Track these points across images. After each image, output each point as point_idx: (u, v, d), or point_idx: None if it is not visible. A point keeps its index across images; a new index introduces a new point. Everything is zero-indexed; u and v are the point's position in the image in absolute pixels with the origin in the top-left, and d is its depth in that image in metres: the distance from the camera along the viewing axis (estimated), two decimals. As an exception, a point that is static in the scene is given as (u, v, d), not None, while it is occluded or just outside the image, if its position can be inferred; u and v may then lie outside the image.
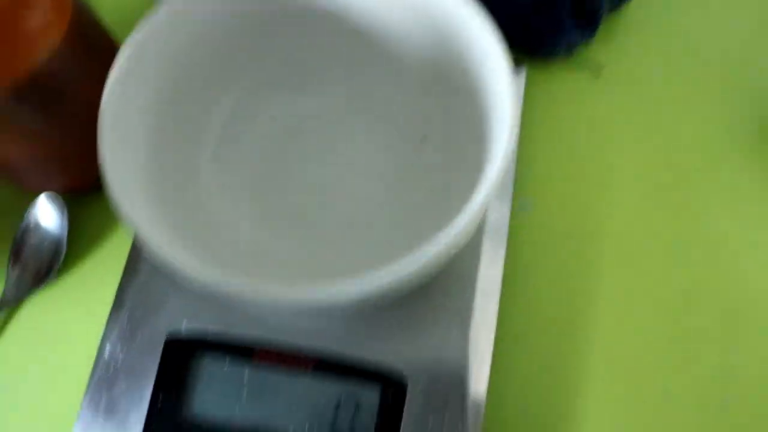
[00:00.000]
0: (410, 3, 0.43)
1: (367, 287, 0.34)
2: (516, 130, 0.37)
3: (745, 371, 0.47)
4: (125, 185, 0.37)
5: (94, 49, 0.48)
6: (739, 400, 0.47)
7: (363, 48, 0.48)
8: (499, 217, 0.48)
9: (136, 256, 0.50)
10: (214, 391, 0.46)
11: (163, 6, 0.40)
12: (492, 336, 0.45)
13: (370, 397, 0.44)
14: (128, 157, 0.39)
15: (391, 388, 0.44)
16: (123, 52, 0.39)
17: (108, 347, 0.47)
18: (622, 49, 0.59)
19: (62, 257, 0.53)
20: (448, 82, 0.46)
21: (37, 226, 0.53)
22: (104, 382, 0.47)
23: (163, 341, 0.47)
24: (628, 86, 0.57)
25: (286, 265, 0.46)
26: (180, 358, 0.46)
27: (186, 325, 0.47)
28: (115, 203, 0.35)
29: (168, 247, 0.35)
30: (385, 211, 0.48)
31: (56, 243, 0.53)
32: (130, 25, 0.40)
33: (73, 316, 0.52)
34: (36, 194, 0.53)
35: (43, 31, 0.43)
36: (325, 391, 0.45)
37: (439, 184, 0.47)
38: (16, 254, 0.53)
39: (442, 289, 0.46)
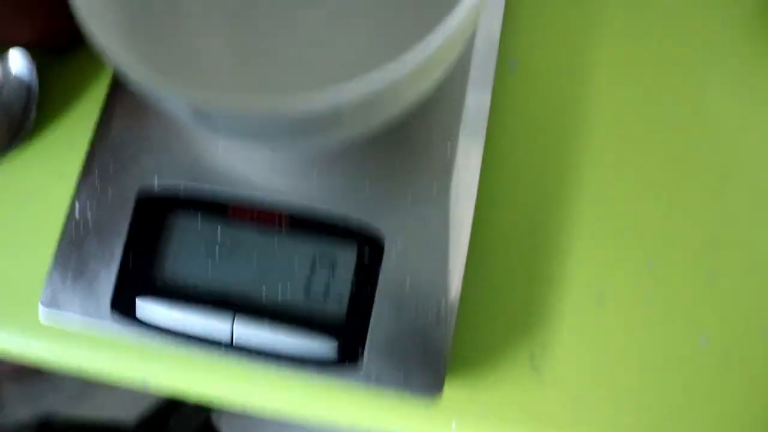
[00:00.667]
0: None
1: (352, 93, 0.31)
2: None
3: (732, 243, 0.46)
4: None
5: None
6: (727, 272, 0.46)
7: None
8: (485, 72, 0.46)
9: (108, 115, 0.48)
10: (186, 249, 0.44)
11: None
12: (473, 196, 0.44)
13: (346, 255, 0.43)
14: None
15: (368, 247, 0.43)
16: None
17: (78, 206, 0.46)
18: None
19: (32, 118, 0.51)
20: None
21: (6, 84, 0.51)
22: (74, 242, 0.45)
23: (133, 198, 0.45)
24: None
25: (257, 74, 0.43)
26: (152, 216, 0.45)
27: (158, 181, 0.45)
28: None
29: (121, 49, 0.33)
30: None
31: (25, 103, 0.51)
32: None
33: (44, 178, 0.51)
34: (2, 49, 0.51)
35: None
36: (300, 249, 0.44)
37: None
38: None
39: (423, 142, 0.44)
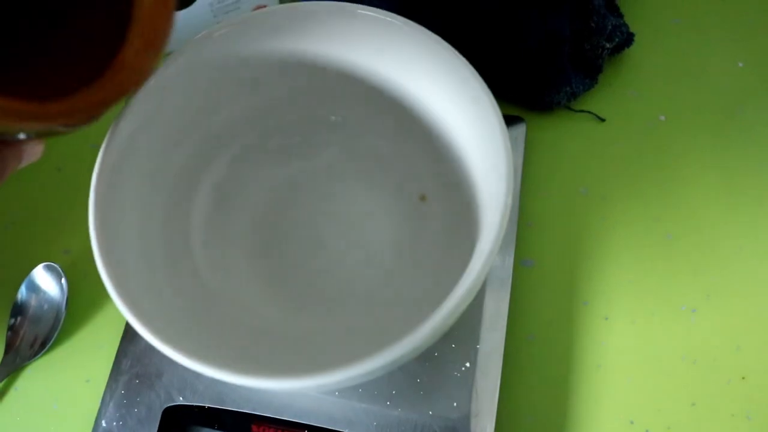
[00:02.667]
0: (405, 62, 0.43)
1: (362, 371, 0.33)
2: (510, 202, 0.36)
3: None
4: (118, 272, 0.37)
5: None
6: None
7: (357, 107, 0.48)
8: (501, 276, 0.48)
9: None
10: (211, 465, 0.45)
11: (146, 89, 0.39)
12: (494, 409, 0.44)
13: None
14: (121, 236, 0.39)
15: (390, 464, 0.43)
16: (109, 145, 0.38)
17: (104, 420, 0.47)
18: (624, 95, 0.58)
19: (60, 325, 0.52)
20: (443, 142, 0.45)
21: (37, 293, 0.53)
22: (102, 455, 0.46)
23: (160, 412, 0.46)
24: (631, 133, 0.56)
25: (286, 338, 0.45)
26: (177, 431, 0.46)
27: (182, 400, 0.46)
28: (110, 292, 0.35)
29: (159, 334, 0.35)
30: (385, 276, 0.47)
31: (56, 310, 0.53)
32: None
33: (71, 383, 0.52)
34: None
35: None
36: (322, 466, 0.44)
37: (440, 244, 0.47)
38: (14, 324, 0.53)
39: (442, 357, 0.45)
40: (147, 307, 0.37)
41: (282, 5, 0.41)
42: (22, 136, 0.30)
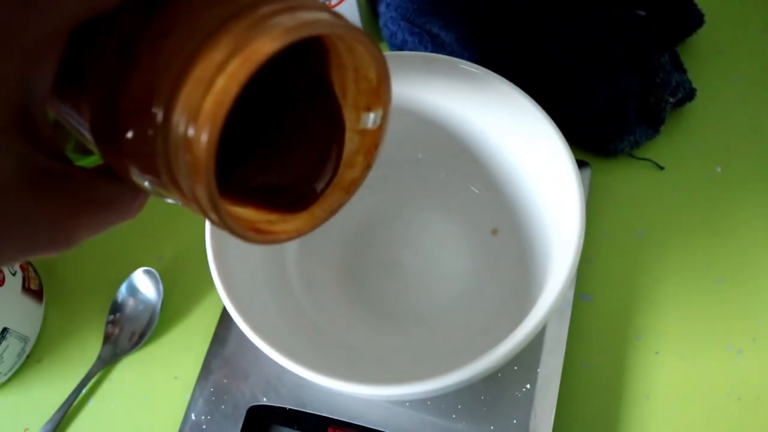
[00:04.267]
0: (486, 108, 0.48)
1: (438, 386, 0.38)
2: (582, 242, 0.41)
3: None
4: (227, 279, 0.42)
5: None
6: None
7: (440, 147, 0.53)
8: (562, 309, 0.52)
9: (223, 328, 0.54)
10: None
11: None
12: (550, 427, 0.48)
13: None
14: (229, 248, 0.44)
15: (454, 472, 0.47)
16: None
17: (193, 413, 0.52)
18: (683, 145, 0.62)
19: (155, 324, 0.58)
20: (517, 182, 0.50)
21: (135, 294, 0.59)
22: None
23: (245, 410, 0.51)
24: (688, 182, 0.60)
25: (364, 351, 0.50)
26: (260, 428, 0.51)
27: (266, 400, 0.51)
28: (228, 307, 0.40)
29: (259, 333, 0.40)
30: (458, 305, 0.52)
31: (151, 311, 0.58)
32: None
33: (162, 380, 0.57)
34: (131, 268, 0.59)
35: None
36: (391, 469, 0.48)
37: (509, 275, 0.51)
38: (113, 320, 0.58)
39: (505, 378, 0.49)
40: (247, 307, 0.42)
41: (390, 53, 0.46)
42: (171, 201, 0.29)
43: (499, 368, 0.43)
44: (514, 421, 0.48)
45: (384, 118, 0.34)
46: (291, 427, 0.50)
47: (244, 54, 0.23)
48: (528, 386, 0.49)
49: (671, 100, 0.59)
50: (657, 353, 0.53)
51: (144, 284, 0.59)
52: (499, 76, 0.46)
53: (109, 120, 0.25)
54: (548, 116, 0.44)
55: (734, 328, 0.54)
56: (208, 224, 0.44)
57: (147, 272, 0.59)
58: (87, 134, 0.27)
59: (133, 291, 0.59)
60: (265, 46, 0.23)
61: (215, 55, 0.24)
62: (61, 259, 0.62)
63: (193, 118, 0.23)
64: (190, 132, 0.23)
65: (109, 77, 0.25)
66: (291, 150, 0.34)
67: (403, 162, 0.55)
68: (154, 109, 0.24)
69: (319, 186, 0.35)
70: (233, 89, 0.23)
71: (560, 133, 0.44)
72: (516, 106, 0.46)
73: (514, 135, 0.48)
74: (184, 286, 0.60)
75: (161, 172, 0.25)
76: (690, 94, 0.61)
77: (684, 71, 0.61)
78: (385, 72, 0.31)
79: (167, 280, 0.60)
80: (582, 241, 0.40)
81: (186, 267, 0.61)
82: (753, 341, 0.53)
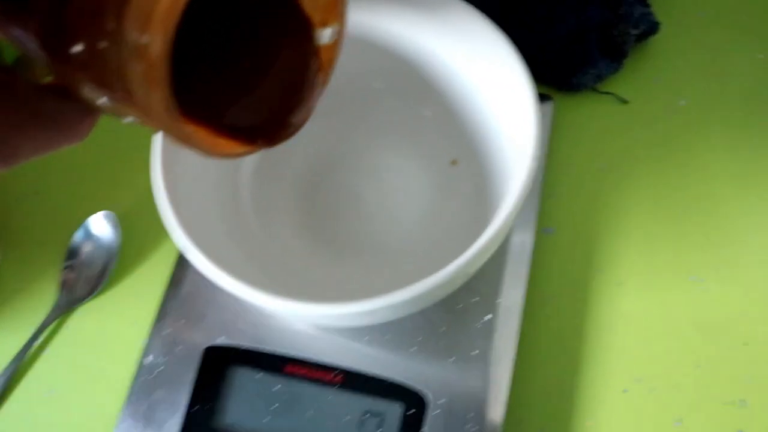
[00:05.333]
0: (445, 33, 0.46)
1: (392, 301, 0.37)
2: (536, 163, 0.40)
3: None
4: (179, 207, 0.41)
5: None
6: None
7: (398, 76, 0.51)
8: (523, 240, 0.51)
9: (180, 271, 0.53)
10: (246, 401, 0.49)
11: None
12: (512, 359, 0.47)
13: (392, 412, 0.47)
14: (180, 178, 0.43)
15: (413, 404, 0.47)
16: None
17: (150, 356, 0.51)
18: (647, 79, 0.61)
19: (112, 269, 0.56)
20: (476, 110, 0.49)
21: (91, 238, 0.57)
22: (144, 390, 0.50)
23: (201, 353, 0.50)
24: (652, 115, 0.59)
25: (323, 279, 0.49)
26: (216, 369, 0.49)
27: (223, 340, 0.50)
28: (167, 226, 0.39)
29: (212, 265, 0.39)
30: (417, 231, 0.51)
31: (108, 255, 0.57)
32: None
33: (119, 326, 0.56)
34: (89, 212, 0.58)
35: None
36: (350, 404, 0.47)
37: (469, 204, 0.50)
38: (70, 264, 0.57)
39: (466, 309, 0.49)
40: (199, 237, 0.41)
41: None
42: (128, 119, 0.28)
43: (451, 288, 0.42)
44: (475, 352, 0.47)
45: (340, 33, 0.33)
46: (248, 366, 0.49)
47: None
48: (489, 317, 0.48)
49: (634, 32, 0.58)
50: (620, 284, 0.53)
51: (101, 228, 0.57)
52: (463, 2, 0.45)
53: (58, 32, 0.24)
54: (507, 38, 0.43)
55: (696, 258, 0.54)
56: (155, 153, 0.42)
57: (106, 216, 0.57)
58: (34, 48, 0.26)
59: (89, 235, 0.57)
60: None
61: None
62: (14, 206, 0.61)
63: (146, 24, 0.22)
64: (144, 39, 0.23)
65: None
66: (257, 74, 0.33)
67: (360, 91, 0.53)
68: (104, 18, 0.23)
69: (284, 113, 0.34)
70: None
71: (519, 55, 0.42)
72: (478, 32, 0.44)
73: (474, 61, 0.47)
74: (143, 231, 0.58)
75: (115, 84, 0.24)
76: (653, 28, 0.60)
77: (647, 4, 0.60)
78: None
79: (126, 224, 0.58)
80: (536, 161, 0.40)
81: (145, 211, 0.59)
82: (715, 271, 0.53)
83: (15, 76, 0.26)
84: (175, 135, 0.26)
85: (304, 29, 0.33)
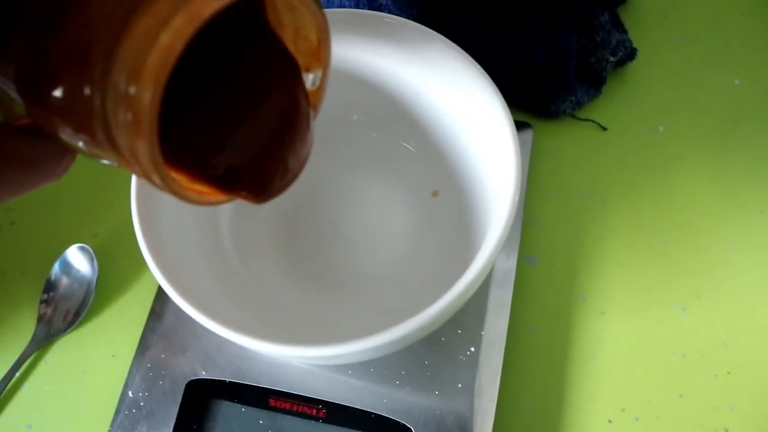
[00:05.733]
0: (423, 66, 0.46)
1: (376, 343, 0.36)
2: (518, 197, 0.40)
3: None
4: (157, 247, 0.40)
5: None
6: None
7: (376, 108, 0.51)
8: (506, 270, 0.51)
9: (160, 304, 0.52)
10: (231, 436, 0.48)
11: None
12: (496, 391, 0.47)
13: (377, 446, 0.47)
14: (158, 216, 0.43)
15: (398, 438, 0.46)
16: None
17: (131, 390, 0.50)
18: (625, 105, 0.61)
19: (90, 302, 0.56)
20: (456, 143, 0.49)
21: (69, 272, 0.56)
22: (126, 425, 0.49)
23: (183, 386, 0.49)
24: (631, 141, 0.60)
25: (305, 316, 0.48)
26: (199, 403, 0.49)
27: (205, 374, 0.49)
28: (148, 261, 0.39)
29: (191, 300, 0.39)
30: (400, 264, 0.51)
31: (86, 288, 0.56)
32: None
33: (99, 359, 0.55)
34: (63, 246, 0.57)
35: None
36: (335, 438, 0.47)
37: (450, 236, 0.50)
38: (47, 299, 0.56)
39: (449, 342, 0.48)
40: (179, 277, 0.40)
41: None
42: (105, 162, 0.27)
43: (437, 327, 0.42)
44: (459, 385, 0.47)
45: (323, 79, 0.33)
46: (231, 400, 0.49)
47: (189, 9, 0.22)
48: (472, 349, 0.48)
49: (612, 59, 0.59)
50: (603, 313, 0.53)
51: (78, 261, 0.57)
52: (434, 32, 0.45)
53: (38, 74, 0.24)
54: (482, 70, 0.43)
55: (679, 286, 0.54)
56: (133, 190, 0.42)
57: (81, 249, 0.57)
58: (12, 92, 0.25)
59: (66, 268, 0.57)
60: (212, 2, 0.22)
61: (160, 8, 0.22)
62: (-10, 238, 0.60)
63: (136, 75, 0.22)
64: (132, 90, 0.22)
65: (38, 29, 0.24)
66: (245, 117, 0.32)
67: (339, 125, 0.53)
68: (90, 65, 0.23)
69: (271, 163, 0.34)
70: (178, 46, 0.22)
71: (495, 87, 0.42)
72: (456, 65, 0.44)
73: (451, 93, 0.47)
74: (120, 263, 0.58)
75: (97, 130, 0.24)
76: (631, 54, 0.60)
77: (625, 31, 0.61)
78: (326, 32, 0.30)
79: (103, 257, 0.57)
80: (518, 194, 0.40)
81: (122, 243, 0.59)
82: (697, 298, 0.53)
83: None
84: (156, 182, 0.26)
85: (294, 70, 0.33)
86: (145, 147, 0.23)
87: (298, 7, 0.28)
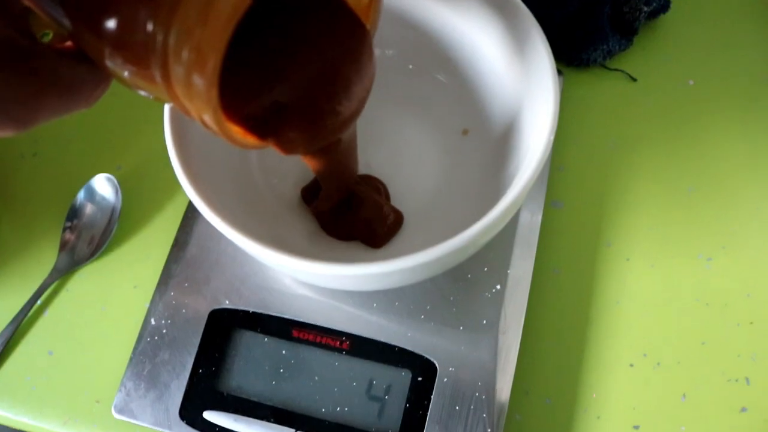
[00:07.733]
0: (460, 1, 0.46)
1: (403, 265, 0.36)
2: (552, 137, 0.40)
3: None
4: (188, 161, 0.40)
5: None
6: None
7: (410, 44, 0.51)
8: (533, 213, 0.51)
9: (184, 234, 0.52)
10: (252, 364, 0.48)
11: None
12: (520, 330, 0.47)
13: (401, 380, 0.47)
14: (189, 135, 0.42)
15: (422, 372, 0.46)
16: None
17: (153, 318, 0.50)
18: (656, 58, 0.61)
19: (113, 232, 0.56)
20: (490, 80, 0.48)
21: (93, 199, 0.56)
22: (148, 352, 0.49)
23: (206, 316, 0.49)
24: (660, 94, 0.59)
25: (330, 249, 0.48)
26: (221, 334, 0.49)
27: (228, 304, 0.49)
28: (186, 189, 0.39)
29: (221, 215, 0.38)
30: (428, 201, 0.51)
31: (109, 216, 0.56)
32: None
33: (121, 288, 0.55)
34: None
35: None
36: (358, 371, 0.47)
37: (479, 174, 0.50)
38: (70, 226, 0.56)
39: (475, 279, 0.48)
40: (210, 195, 0.40)
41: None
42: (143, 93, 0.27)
43: (466, 255, 0.42)
44: (484, 321, 0.47)
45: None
46: (254, 330, 0.49)
47: None
48: (498, 287, 0.48)
49: (645, 9, 0.58)
50: (628, 260, 0.53)
51: (104, 188, 0.56)
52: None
53: (98, 1, 0.24)
54: (528, 11, 0.43)
55: (704, 236, 0.54)
56: (166, 113, 0.41)
57: (107, 178, 0.57)
58: (58, 14, 0.25)
59: (91, 195, 0.56)
60: None
61: None
62: (13, 168, 0.60)
63: (203, 18, 0.22)
64: (199, 32, 0.22)
65: None
66: (293, 52, 0.33)
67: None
68: (158, 2, 0.22)
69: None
70: None
71: (537, 24, 0.42)
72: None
73: (491, 32, 0.46)
74: (143, 195, 0.58)
75: (152, 64, 0.24)
76: (664, 6, 0.60)
77: (659, -18, 0.60)
78: None
79: (127, 188, 0.57)
80: (553, 134, 0.39)
81: (146, 175, 0.59)
82: (722, 249, 0.53)
83: (36, 42, 0.25)
84: (207, 121, 0.26)
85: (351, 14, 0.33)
86: (203, 86, 0.23)
87: None
